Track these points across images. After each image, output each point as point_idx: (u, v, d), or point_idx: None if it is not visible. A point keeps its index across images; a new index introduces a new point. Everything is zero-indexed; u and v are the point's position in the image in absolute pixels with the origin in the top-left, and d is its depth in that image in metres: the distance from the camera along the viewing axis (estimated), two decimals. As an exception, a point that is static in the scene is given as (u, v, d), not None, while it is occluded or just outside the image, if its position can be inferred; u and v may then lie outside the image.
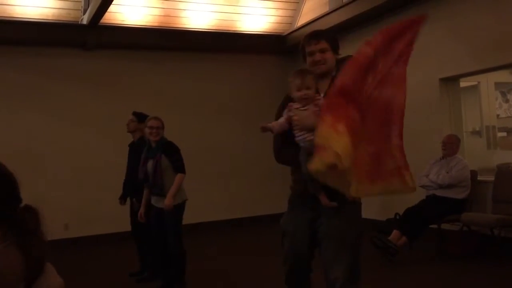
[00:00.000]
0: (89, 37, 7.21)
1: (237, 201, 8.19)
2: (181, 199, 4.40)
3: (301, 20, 8.02)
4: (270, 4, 8.11)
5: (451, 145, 5.56)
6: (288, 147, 2.59)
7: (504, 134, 7.90)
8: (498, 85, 7.63)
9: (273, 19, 8.25)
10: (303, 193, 2.59)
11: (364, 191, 2.22)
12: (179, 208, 4.39)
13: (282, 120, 2.55)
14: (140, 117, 5.12)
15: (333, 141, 2.05)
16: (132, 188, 4.98)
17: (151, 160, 4.39)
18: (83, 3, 7.09)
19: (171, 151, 4.41)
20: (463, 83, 6.60)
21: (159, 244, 4.48)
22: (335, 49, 2.66)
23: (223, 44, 8.11)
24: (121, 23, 7.35)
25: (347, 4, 6.92)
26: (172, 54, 8.02)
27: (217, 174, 8.15)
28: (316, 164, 2.07)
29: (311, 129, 2.35)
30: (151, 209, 4.51)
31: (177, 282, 4.42)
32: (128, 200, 5.23)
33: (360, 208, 2.62)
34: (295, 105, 2.51)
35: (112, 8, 6.67)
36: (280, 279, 2.77)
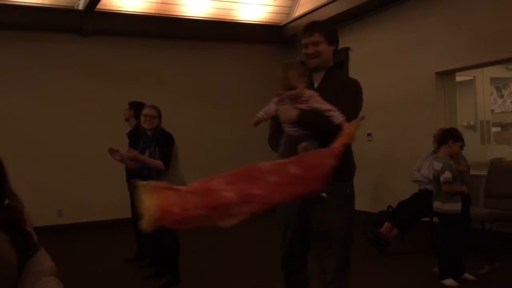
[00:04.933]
0: (85, 23, 7.15)
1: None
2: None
3: (299, 11, 7.99)
4: (268, -7, 8.07)
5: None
6: (278, 133, 2.63)
7: (498, 129, 7.94)
8: (493, 80, 7.65)
9: (270, 9, 8.21)
10: None
11: None
12: None
13: (271, 107, 2.52)
14: (131, 104, 5.13)
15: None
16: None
17: (147, 150, 4.34)
18: (79, -12, 7.04)
19: (162, 141, 4.32)
20: (459, 78, 6.62)
21: (152, 231, 4.49)
22: (331, 41, 2.61)
23: (220, 32, 8.07)
24: (117, 9, 7.29)
25: (345, -5, 6.89)
26: (168, 42, 7.98)
27: (212, 163, 8.15)
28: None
29: (291, 122, 2.41)
30: None
31: (170, 269, 4.43)
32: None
33: (353, 197, 2.59)
34: (277, 99, 2.50)
35: (108, -6, 6.62)
36: (275, 265, 2.79)
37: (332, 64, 2.65)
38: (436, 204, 4.21)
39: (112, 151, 4.50)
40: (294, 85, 2.41)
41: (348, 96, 2.51)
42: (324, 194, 2.44)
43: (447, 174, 4.07)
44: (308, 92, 2.44)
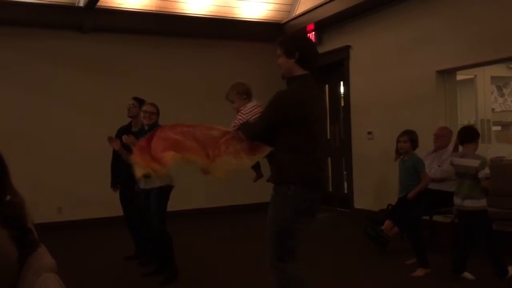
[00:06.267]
0: (86, 20, 7.14)
1: (226, 189, 8.19)
2: (164, 182, 4.39)
3: (300, 9, 7.98)
4: (269, -9, 8.06)
5: (443, 138, 5.54)
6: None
7: (499, 128, 7.94)
8: (494, 79, 7.65)
9: (271, 7, 8.20)
10: None
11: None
12: (164, 191, 4.40)
13: None
14: (142, 103, 5.10)
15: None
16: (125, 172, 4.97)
17: None
18: (80, -15, 7.03)
19: None
20: (460, 76, 6.62)
21: (148, 227, 4.52)
22: (289, 54, 2.85)
23: (220, 30, 8.06)
24: (118, 6, 7.28)
25: (346, -7, 6.88)
26: (169, 39, 7.97)
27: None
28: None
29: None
30: (141, 193, 4.54)
31: (167, 267, 4.45)
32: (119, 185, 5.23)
33: (293, 198, 2.76)
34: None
35: (109, -9, 6.61)
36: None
37: (296, 75, 2.86)
38: (471, 202, 4.13)
39: (111, 139, 4.64)
40: (232, 100, 3.09)
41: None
42: (273, 192, 2.86)
43: (487, 170, 4.08)
44: (245, 107, 3.03)
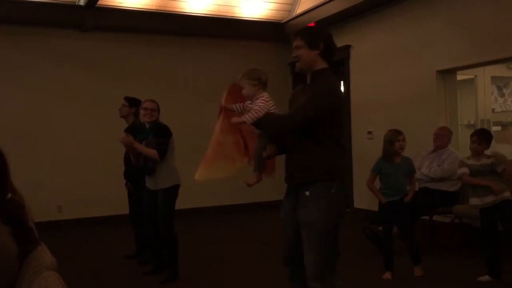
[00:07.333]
0: (86, 18, 7.14)
1: (227, 187, 8.19)
2: (173, 182, 4.37)
3: (300, 8, 7.98)
4: (270, -10, 8.06)
5: (443, 137, 5.54)
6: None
7: (499, 128, 7.93)
8: (494, 79, 7.64)
9: (272, 6, 8.20)
10: (286, 180, 2.75)
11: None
12: (172, 191, 4.37)
13: None
14: (132, 102, 5.09)
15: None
16: (129, 172, 4.98)
17: (144, 142, 4.36)
18: (80, -17, 7.03)
19: (161, 133, 4.35)
20: (460, 76, 6.61)
21: (150, 227, 4.50)
22: (313, 45, 2.65)
23: (220, 29, 8.06)
24: (118, 5, 7.28)
25: (347, -8, 6.88)
26: (168, 38, 7.97)
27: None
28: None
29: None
30: (145, 192, 4.52)
31: (168, 266, 4.45)
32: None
33: (338, 198, 2.63)
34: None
35: (109, -11, 6.61)
36: (277, 264, 2.79)
37: (320, 68, 2.67)
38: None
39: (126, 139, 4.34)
40: (242, 86, 2.76)
41: (305, 99, 2.62)
42: (307, 193, 2.57)
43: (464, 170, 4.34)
44: (261, 97, 2.69)
